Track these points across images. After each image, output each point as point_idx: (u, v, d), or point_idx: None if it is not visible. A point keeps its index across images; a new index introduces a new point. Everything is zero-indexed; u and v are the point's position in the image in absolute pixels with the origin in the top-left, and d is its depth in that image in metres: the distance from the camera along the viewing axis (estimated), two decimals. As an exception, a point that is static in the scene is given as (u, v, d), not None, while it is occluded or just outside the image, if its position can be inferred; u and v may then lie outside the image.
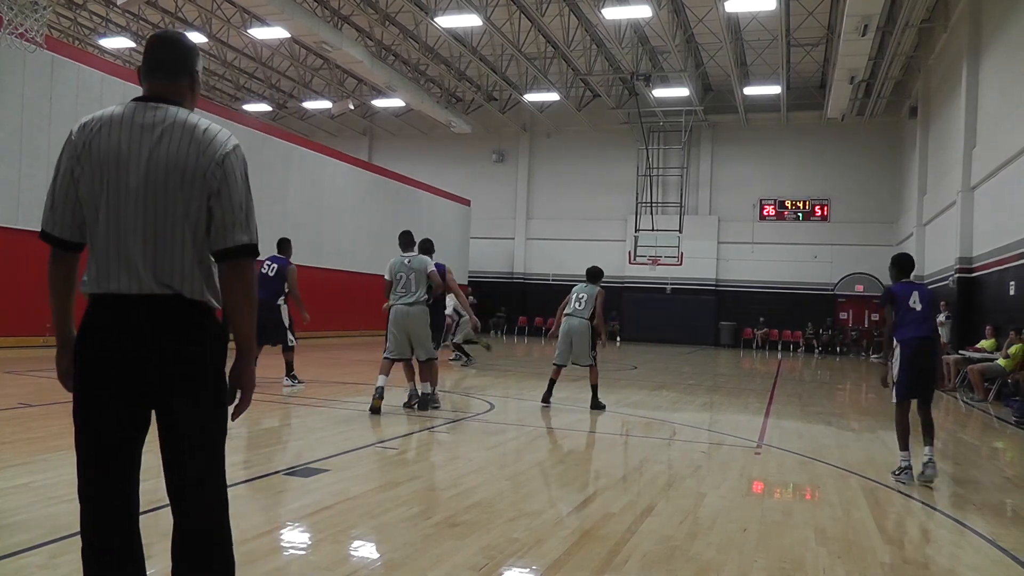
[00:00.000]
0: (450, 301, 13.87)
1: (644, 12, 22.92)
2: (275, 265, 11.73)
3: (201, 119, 2.66)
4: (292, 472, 6.36)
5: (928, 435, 7.19)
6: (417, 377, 10.18)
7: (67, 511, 4.83)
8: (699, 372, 20.07)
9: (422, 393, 10.09)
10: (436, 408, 10.08)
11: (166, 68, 2.74)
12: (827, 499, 6.34)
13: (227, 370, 2.73)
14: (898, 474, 7.12)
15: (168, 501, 2.66)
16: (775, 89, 30.99)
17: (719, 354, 30.11)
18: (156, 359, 2.53)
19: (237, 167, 2.66)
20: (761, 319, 35.35)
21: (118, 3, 25.56)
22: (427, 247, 10.44)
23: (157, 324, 2.54)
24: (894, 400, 7.38)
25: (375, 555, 4.52)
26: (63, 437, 7.27)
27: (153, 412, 2.64)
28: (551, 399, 11.17)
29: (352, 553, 4.49)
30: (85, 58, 18.72)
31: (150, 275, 2.53)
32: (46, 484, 5.55)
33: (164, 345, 2.54)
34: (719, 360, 26.46)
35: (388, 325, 10.03)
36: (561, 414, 10.47)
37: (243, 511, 5.05)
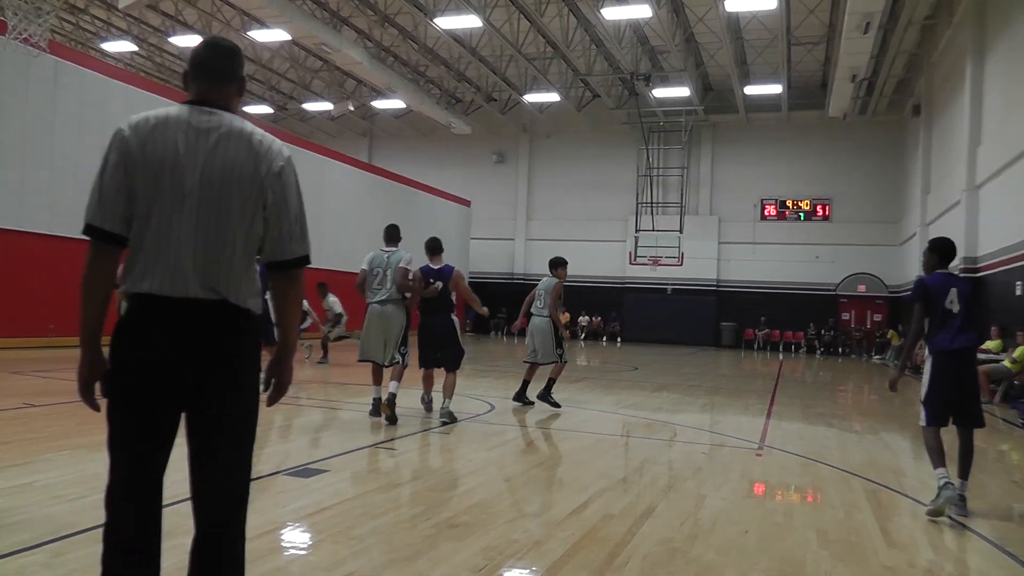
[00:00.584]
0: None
1: (644, 12, 22.90)
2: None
3: (255, 128, 2.68)
4: (292, 472, 6.34)
5: (964, 465, 6.00)
6: (386, 379, 9.28)
7: (69, 510, 4.84)
8: (700, 373, 20.04)
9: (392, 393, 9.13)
10: (446, 423, 9.18)
11: (217, 73, 2.75)
12: (829, 501, 6.31)
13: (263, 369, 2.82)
14: (939, 500, 5.66)
15: (190, 499, 2.67)
16: (776, 88, 30.94)
17: (720, 355, 30.08)
18: (195, 361, 2.53)
19: (293, 178, 2.73)
20: (762, 320, 35.29)
21: (119, 6, 25.56)
22: (432, 247, 9.70)
23: (199, 327, 2.55)
24: (922, 423, 6.07)
25: (375, 556, 4.50)
26: (66, 437, 7.29)
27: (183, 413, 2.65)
28: (525, 398, 11.09)
29: (352, 553, 4.47)
30: (88, 62, 18.79)
31: (197, 279, 2.54)
32: (48, 484, 5.54)
33: (204, 348, 2.55)
34: (720, 361, 26.43)
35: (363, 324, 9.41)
36: (562, 416, 10.44)
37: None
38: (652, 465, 7.63)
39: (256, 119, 31.59)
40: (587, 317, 37.23)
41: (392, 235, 9.54)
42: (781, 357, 30.92)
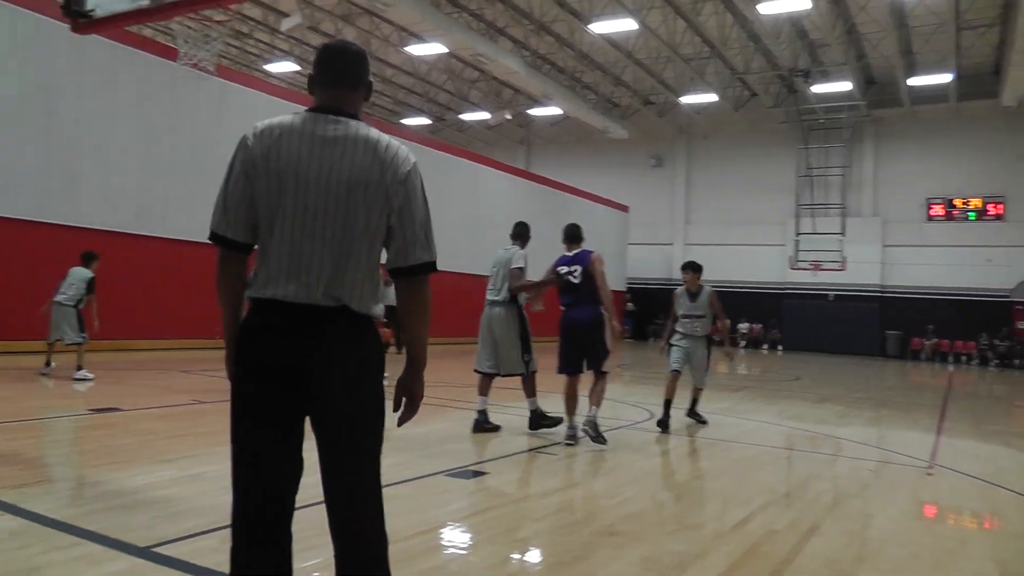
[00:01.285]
0: None
1: (803, 3, 22.20)
2: None
3: (380, 134, 2.68)
4: (453, 474, 6.48)
5: None
6: (497, 389, 8.73)
7: (235, 501, 5.14)
8: (864, 384, 19.26)
9: (531, 410, 8.66)
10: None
11: (343, 79, 2.76)
12: (1010, 529, 5.92)
13: (395, 379, 2.79)
14: None
15: (325, 506, 2.68)
16: (944, 78, 29.01)
17: (885, 365, 28.76)
18: (316, 368, 2.54)
19: (418, 184, 2.69)
20: (930, 328, 33.11)
21: (282, 28, 26.79)
22: (568, 233, 8.51)
23: (321, 334, 2.55)
24: None
25: (534, 559, 4.56)
26: (232, 433, 7.68)
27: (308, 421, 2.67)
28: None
29: (511, 556, 4.54)
30: (252, 82, 20.02)
31: (321, 286, 2.54)
32: (217, 475, 5.90)
33: (326, 355, 2.55)
34: (885, 372, 25.29)
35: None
36: (723, 426, 10.26)
37: (404, 510, 5.19)
38: (816, 480, 7.38)
39: (414, 131, 32.46)
40: (747, 324, 36.29)
41: (519, 233, 8.86)
42: (951, 369, 29.07)
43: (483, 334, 8.73)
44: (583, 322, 8.13)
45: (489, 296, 8.68)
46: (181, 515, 4.83)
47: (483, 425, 8.54)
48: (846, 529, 5.48)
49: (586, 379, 8.39)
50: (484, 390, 8.72)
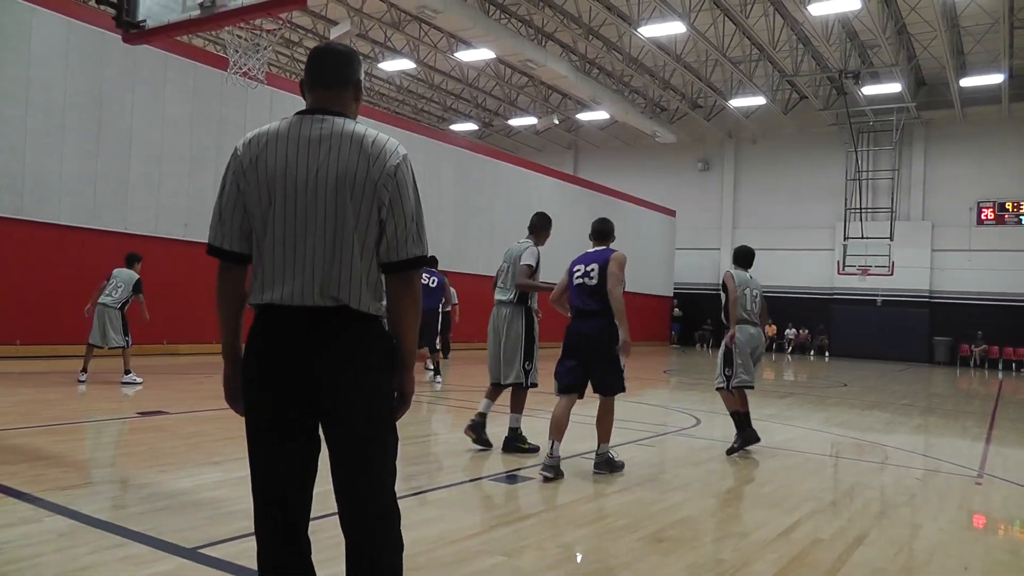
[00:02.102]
0: None
1: (853, 4, 21.89)
2: (434, 278, 13.78)
3: (368, 129, 2.64)
4: (498, 478, 6.47)
5: None
6: (505, 398, 7.75)
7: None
8: (912, 391, 18.88)
9: (511, 427, 7.66)
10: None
11: (329, 79, 2.76)
12: (1067, 537, 5.76)
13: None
14: None
15: (337, 510, 2.66)
16: (996, 78, 28.37)
17: (933, 372, 28.15)
18: (324, 369, 2.53)
19: (408, 178, 2.64)
20: (979, 334, 32.29)
21: (331, 37, 27.03)
22: (597, 229, 7.34)
23: (324, 335, 2.54)
24: None
25: (580, 564, 4.53)
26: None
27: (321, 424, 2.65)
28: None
29: (556, 561, 4.51)
30: (300, 90, 20.16)
31: (316, 287, 2.52)
32: None
33: (331, 356, 2.54)
34: (934, 378, 24.77)
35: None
36: (769, 432, 10.13)
37: (446, 515, 5.20)
38: (863, 489, 7.24)
39: (462, 136, 32.58)
40: (794, 330, 35.83)
41: (536, 224, 7.95)
42: (1001, 376, 28.27)
43: (490, 339, 7.81)
44: (593, 334, 6.79)
45: (497, 295, 7.77)
46: (228, 517, 4.87)
47: (515, 444, 7.65)
48: (894, 539, 5.36)
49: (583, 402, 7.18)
50: (514, 406, 7.68)
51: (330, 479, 2.62)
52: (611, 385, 6.79)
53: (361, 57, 2.91)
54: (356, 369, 2.56)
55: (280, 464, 2.62)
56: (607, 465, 6.85)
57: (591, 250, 7.11)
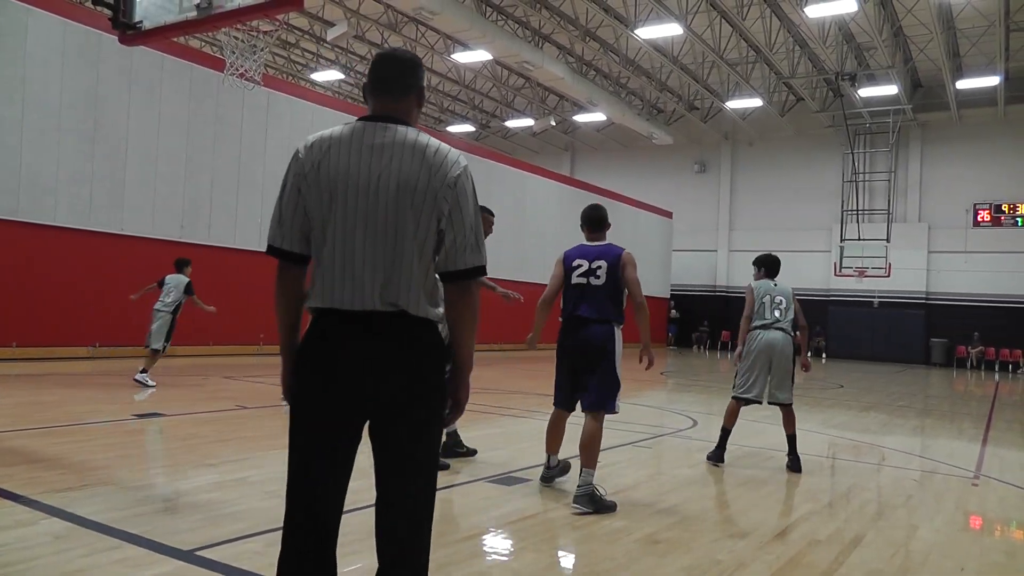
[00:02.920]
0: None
1: (849, 7, 21.88)
2: None
3: (430, 138, 2.67)
4: (495, 480, 6.46)
5: None
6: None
7: (279, 504, 5.09)
8: (909, 393, 18.89)
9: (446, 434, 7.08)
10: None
11: (393, 86, 2.77)
12: (1062, 538, 5.76)
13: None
14: None
15: (375, 505, 2.68)
16: (992, 81, 28.29)
17: (930, 373, 28.16)
18: (379, 374, 2.56)
19: (469, 188, 2.68)
20: (976, 336, 32.27)
21: (328, 38, 27.06)
22: (588, 216, 6.48)
23: (380, 339, 2.57)
24: None
25: (576, 567, 4.53)
26: (275, 437, 7.79)
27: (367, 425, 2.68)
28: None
29: (553, 563, 4.52)
30: (298, 92, 20.28)
31: (376, 292, 2.56)
32: (260, 479, 5.99)
33: (388, 361, 2.57)
34: (930, 380, 24.78)
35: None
36: (765, 434, 10.13)
37: (445, 516, 5.21)
38: (860, 490, 7.25)
39: (459, 138, 32.62)
40: (793, 332, 35.58)
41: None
42: (997, 377, 28.26)
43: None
44: (592, 343, 5.94)
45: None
46: (225, 519, 4.86)
47: (454, 450, 7.22)
48: (890, 540, 5.37)
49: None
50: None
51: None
52: (609, 402, 5.90)
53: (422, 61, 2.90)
54: (412, 374, 2.60)
55: (324, 465, 2.64)
56: (590, 501, 5.57)
57: (590, 244, 6.22)
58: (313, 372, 2.61)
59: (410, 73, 2.80)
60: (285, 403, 2.77)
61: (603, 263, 5.98)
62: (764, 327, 8.00)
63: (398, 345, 2.58)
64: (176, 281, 11.90)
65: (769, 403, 8.05)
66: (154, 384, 11.33)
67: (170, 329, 11.68)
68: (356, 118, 2.74)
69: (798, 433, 8.03)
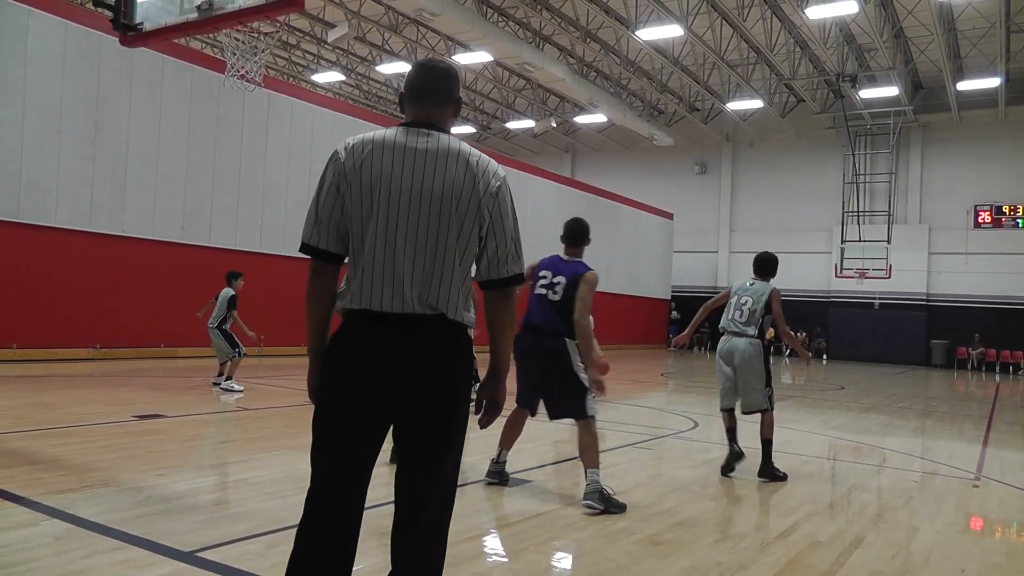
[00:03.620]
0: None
1: (850, 8, 21.89)
2: None
3: (472, 148, 2.73)
4: (496, 481, 6.44)
5: None
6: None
7: (280, 506, 5.19)
8: (909, 394, 18.88)
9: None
10: None
11: (434, 95, 2.81)
12: (1063, 538, 5.75)
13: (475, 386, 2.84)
14: None
15: (394, 504, 2.69)
16: (992, 82, 28.34)
17: (930, 375, 28.14)
18: (412, 376, 2.58)
19: (509, 198, 2.75)
20: (977, 337, 32.24)
21: (328, 40, 27.05)
22: (569, 231, 6.68)
23: (417, 342, 2.59)
24: None
25: (577, 567, 4.53)
26: (277, 439, 7.79)
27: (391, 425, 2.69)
28: None
29: (554, 564, 4.52)
30: (298, 93, 20.27)
31: (415, 295, 2.58)
32: (263, 480, 5.99)
33: (422, 363, 2.59)
34: (931, 381, 24.76)
35: None
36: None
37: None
38: (860, 492, 7.25)
39: (459, 139, 32.59)
40: (793, 333, 35.49)
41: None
42: (998, 379, 28.21)
43: None
44: (547, 352, 6.04)
45: None
46: (226, 520, 4.87)
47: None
48: (891, 541, 5.37)
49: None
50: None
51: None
52: (579, 406, 5.97)
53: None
54: (446, 377, 2.63)
55: (349, 466, 2.64)
56: (601, 498, 5.67)
57: (564, 258, 6.34)
58: (347, 372, 2.62)
59: (451, 83, 2.86)
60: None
61: (563, 279, 6.08)
62: (724, 332, 7.67)
63: (435, 347, 2.62)
64: (222, 296, 11.89)
65: (743, 412, 7.61)
66: (241, 388, 11.42)
67: (229, 340, 11.60)
68: (397, 124, 2.77)
69: (799, 433, 8.01)
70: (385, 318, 2.59)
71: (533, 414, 6.41)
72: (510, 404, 7.43)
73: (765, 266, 7.84)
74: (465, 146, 2.71)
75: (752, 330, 7.46)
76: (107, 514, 4.81)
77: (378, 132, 2.73)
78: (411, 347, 2.58)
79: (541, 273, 6.25)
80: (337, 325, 2.71)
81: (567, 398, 6.00)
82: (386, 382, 2.58)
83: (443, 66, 2.88)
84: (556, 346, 5.97)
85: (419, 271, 2.58)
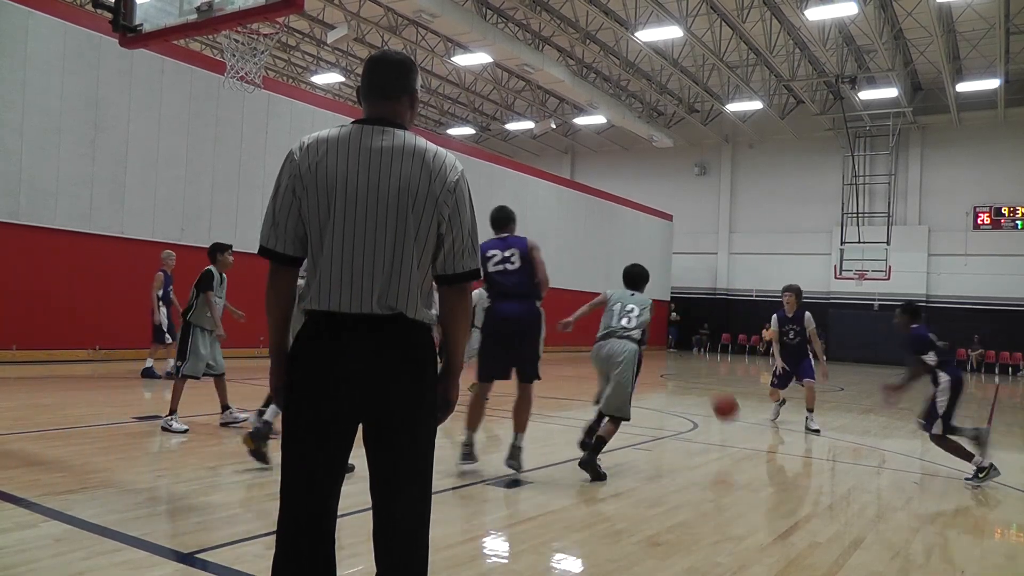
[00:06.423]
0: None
1: (850, 10, 21.89)
2: None
3: (427, 143, 2.68)
4: (495, 483, 6.45)
5: None
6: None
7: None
8: (909, 396, 18.84)
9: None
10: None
11: (387, 89, 2.76)
12: (1063, 539, 5.75)
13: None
14: None
15: (372, 508, 2.67)
16: (992, 83, 28.33)
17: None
18: (375, 376, 2.55)
19: (466, 193, 2.71)
20: (976, 338, 32.14)
21: (328, 41, 27.06)
22: (496, 217, 7.20)
23: (378, 342, 2.57)
24: None
25: (576, 569, 4.53)
26: (275, 440, 7.75)
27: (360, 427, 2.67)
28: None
29: (553, 565, 4.52)
30: (298, 94, 20.30)
31: (374, 295, 2.55)
32: (261, 482, 6.00)
33: (384, 363, 2.56)
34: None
35: None
36: (766, 436, 10.14)
37: (447, 518, 5.20)
38: (860, 492, 7.25)
39: (459, 141, 32.65)
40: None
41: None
42: (997, 380, 28.20)
43: None
44: (520, 318, 6.81)
45: None
46: (224, 521, 4.86)
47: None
48: (891, 542, 5.37)
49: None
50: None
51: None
52: (534, 371, 6.96)
53: (416, 65, 2.90)
54: (411, 377, 2.61)
55: (319, 467, 2.63)
56: (518, 463, 6.83)
57: (500, 236, 7.04)
58: (309, 374, 2.60)
59: (403, 75, 2.79)
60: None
61: (515, 251, 6.90)
62: (607, 335, 7.38)
63: (397, 348, 2.59)
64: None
65: (605, 411, 7.27)
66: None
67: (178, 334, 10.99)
68: (351, 120, 2.73)
69: (798, 434, 8.01)
70: (345, 319, 2.57)
71: (507, 378, 6.99)
72: (506, 404, 7.47)
73: (638, 281, 7.75)
74: (421, 142, 2.66)
75: (638, 334, 7.36)
76: (106, 515, 4.81)
77: (332, 131, 2.69)
78: (372, 348, 2.56)
79: (490, 253, 6.94)
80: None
81: (532, 361, 6.94)
82: (349, 383, 2.55)
83: (396, 58, 2.81)
84: (531, 310, 6.89)
85: (379, 272, 2.56)
